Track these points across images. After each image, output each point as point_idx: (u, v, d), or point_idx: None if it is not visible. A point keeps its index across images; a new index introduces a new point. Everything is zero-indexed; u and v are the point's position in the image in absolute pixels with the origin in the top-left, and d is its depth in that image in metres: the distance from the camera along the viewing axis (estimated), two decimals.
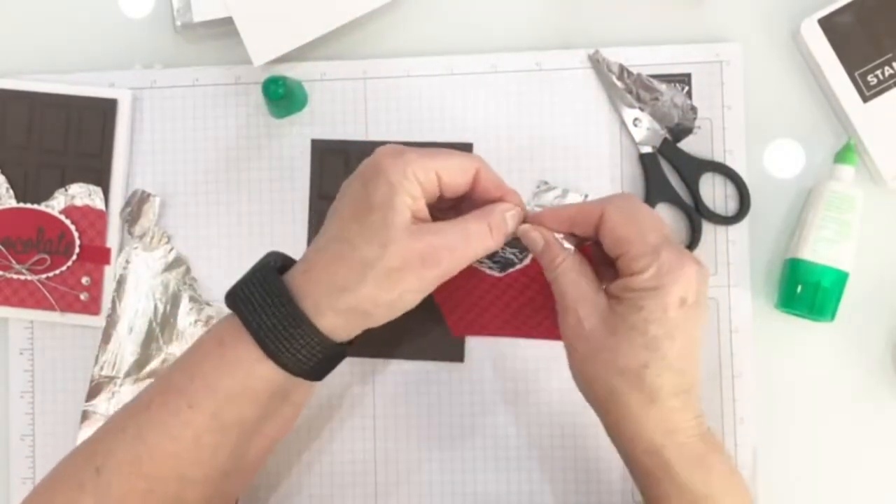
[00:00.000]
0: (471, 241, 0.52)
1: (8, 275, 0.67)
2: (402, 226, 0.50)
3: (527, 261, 0.56)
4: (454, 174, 0.52)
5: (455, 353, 0.66)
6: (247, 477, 0.56)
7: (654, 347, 0.49)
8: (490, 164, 0.54)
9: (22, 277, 0.67)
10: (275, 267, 0.53)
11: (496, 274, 0.56)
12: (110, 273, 0.68)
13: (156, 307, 0.67)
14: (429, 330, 0.66)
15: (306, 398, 0.55)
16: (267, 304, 0.50)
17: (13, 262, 0.67)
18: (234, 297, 0.52)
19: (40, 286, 0.67)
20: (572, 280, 0.52)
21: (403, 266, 0.50)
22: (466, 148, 0.67)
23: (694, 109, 0.66)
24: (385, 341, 0.67)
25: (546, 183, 0.67)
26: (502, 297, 0.57)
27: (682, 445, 0.50)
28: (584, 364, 0.51)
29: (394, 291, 0.50)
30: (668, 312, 0.49)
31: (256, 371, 0.50)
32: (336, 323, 0.50)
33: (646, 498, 0.53)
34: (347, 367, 0.67)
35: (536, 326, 0.58)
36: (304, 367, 0.51)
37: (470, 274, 0.56)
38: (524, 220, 0.54)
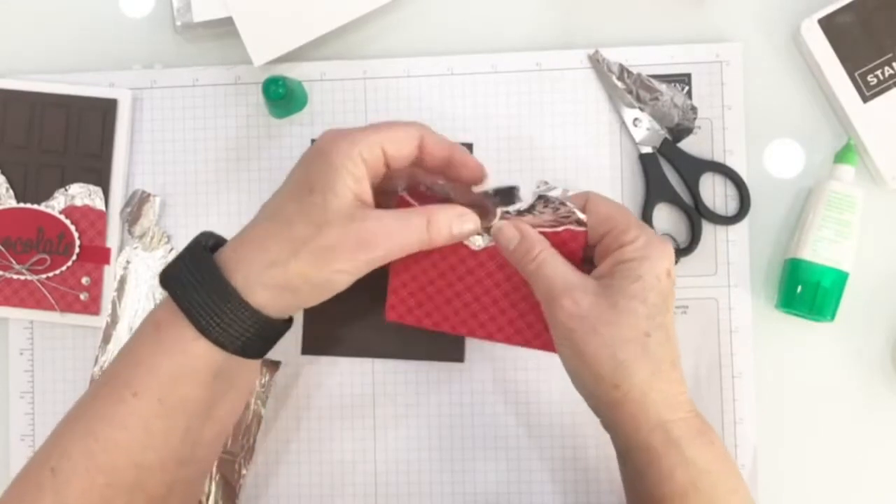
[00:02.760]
0: (409, 232, 0.53)
1: (8, 275, 0.67)
2: (341, 208, 0.51)
3: None
4: (399, 144, 0.53)
5: (455, 354, 0.66)
6: (205, 463, 0.56)
7: (654, 316, 0.51)
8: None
9: (22, 277, 0.67)
10: (205, 245, 0.53)
11: (473, 247, 0.56)
12: (110, 273, 0.68)
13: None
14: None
15: (251, 379, 0.56)
16: (197, 281, 0.50)
17: (13, 262, 0.67)
18: (166, 276, 0.52)
19: (40, 286, 0.67)
20: (556, 267, 0.53)
21: (337, 246, 0.50)
22: (467, 148, 0.67)
23: (694, 109, 0.66)
24: (385, 341, 0.67)
25: (546, 183, 0.67)
26: (466, 277, 0.57)
27: (685, 421, 0.51)
28: (586, 344, 0.51)
29: (324, 270, 0.51)
30: (661, 281, 0.51)
31: (193, 349, 0.50)
32: (265, 298, 0.51)
33: (642, 481, 0.52)
34: (347, 367, 0.67)
35: (484, 323, 0.58)
36: (237, 344, 0.51)
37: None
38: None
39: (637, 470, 0.52)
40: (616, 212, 0.54)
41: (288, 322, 0.54)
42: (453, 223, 0.54)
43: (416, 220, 0.53)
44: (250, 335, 0.51)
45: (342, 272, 0.51)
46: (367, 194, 0.53)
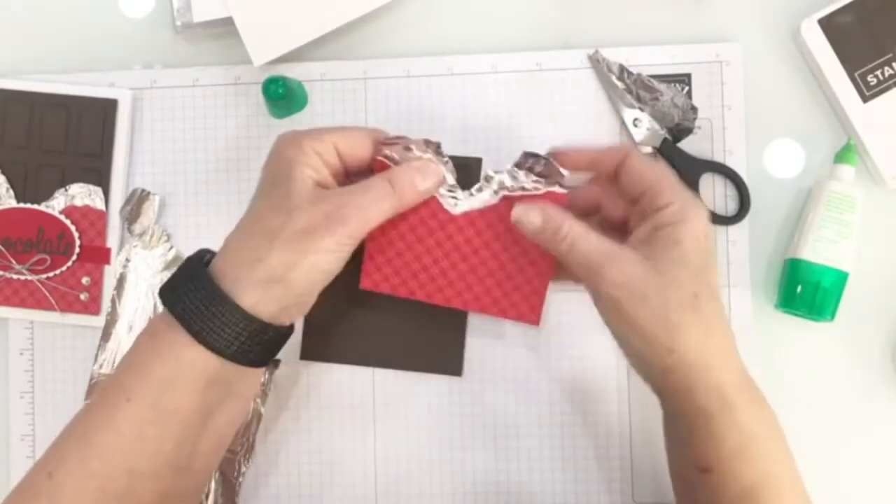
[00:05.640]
0: (377, 198, 0.54)
1: (8, 275, 0.67)
2: (304, 192, 0.52)
3: (500, 193, 0.56)
4: (352, 144, 0.55)
5: (453, 367, 0.66)
6: (201, 475, 0.55)
7: (698, 277, 0.51)
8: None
9: (22, 277, 0.67)
10: (201, 259, 0.54)
11: (452, 211, 0.56)
12: (110, 273, 0.68)
13: (155, 306, 0.67)
14: (427, 341, 0.66)
15: (250, 389, 0.56)
16: (189, 289, 0.51)
17: (13, 262, 0.67)
18: (162, 289, 0.53)
19: (40, 286, 0.67)
20: (590, 240, 0.53)
21: (310, 226, 0.51)
22: (475, 162, 0.67)
23: (694, 109, 0.66)
24: (383, 351, 0.67)
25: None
26: (444, 243, 0.57)
27: (741, 383, 0.52)
28: (636, 312, 0.51)
29: (306, 254, 0.51)
30: (700, 243, 0.51)
31: (186, 355, 0.51)
32: (255, 296, 0.51)
33: (690, 443, 0.52)
34: (347, 367, 0.67)
35: (461, 292, 0.57)
36: (231, 348, 0.51)
37: (423, 206, 0.57)
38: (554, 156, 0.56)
39: (687, 431, 0.52)
40: (652, 173, 0.54)
41: (289, 328, 0.54)
42: (415, 178, 0.55)
43: (380, 184, 0.54)
44: (244, 339, 0.51)
45: (323, 251, 0.51)
46: (329, 181, 0.54)
